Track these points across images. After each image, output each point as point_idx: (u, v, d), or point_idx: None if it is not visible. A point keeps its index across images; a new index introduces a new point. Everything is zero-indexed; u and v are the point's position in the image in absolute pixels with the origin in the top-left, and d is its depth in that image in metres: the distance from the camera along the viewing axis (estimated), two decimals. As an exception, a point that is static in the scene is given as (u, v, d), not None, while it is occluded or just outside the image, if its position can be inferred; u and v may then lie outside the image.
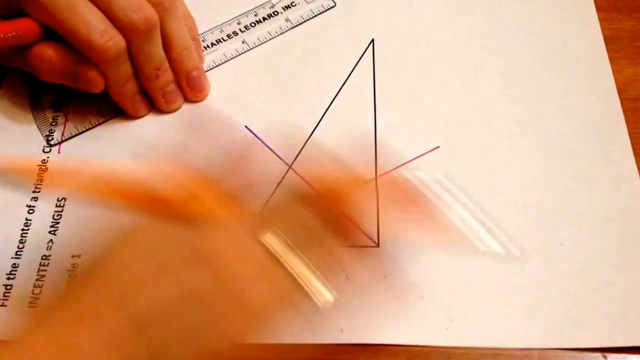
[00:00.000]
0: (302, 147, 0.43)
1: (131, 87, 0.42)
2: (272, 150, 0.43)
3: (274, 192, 0.41)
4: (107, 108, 0.44)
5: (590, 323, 0.36)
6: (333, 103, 0.44)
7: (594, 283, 0.38)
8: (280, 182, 0.41)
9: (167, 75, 0.43)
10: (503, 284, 0.38)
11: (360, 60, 0.46)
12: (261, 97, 0.45)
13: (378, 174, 0.41)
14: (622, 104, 0.44)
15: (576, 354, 0.36)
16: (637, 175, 0.41)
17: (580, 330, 0.36)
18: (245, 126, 0.44)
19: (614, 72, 0.45)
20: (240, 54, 0.47)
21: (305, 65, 0.46)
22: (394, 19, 0.48)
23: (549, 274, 0.38)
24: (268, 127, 0.43)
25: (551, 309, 0.37)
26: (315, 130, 0.43)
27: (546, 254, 0.39)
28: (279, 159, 0.42)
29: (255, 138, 0.43)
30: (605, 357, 0.36)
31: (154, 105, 0.44)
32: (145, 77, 0.42)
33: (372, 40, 0.47)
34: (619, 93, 0.44)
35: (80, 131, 0.44)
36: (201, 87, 0.44)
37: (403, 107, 0.44)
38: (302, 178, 0.41)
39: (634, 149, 0.42)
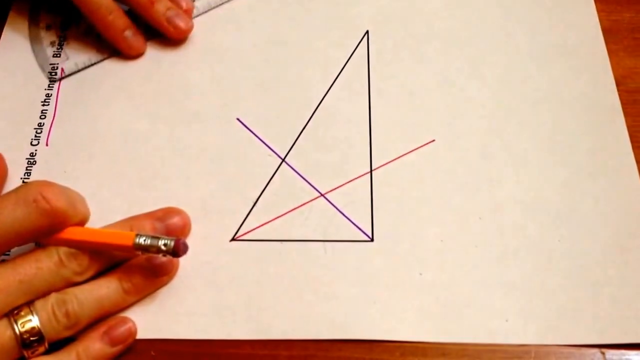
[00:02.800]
0: (296, 140, 0.42)
1: (116, 20, 0.43)
2: (264, 143, 0.42)
3: (267, 186, 0.40)
4: (107, 45, 0.45)
5: (588, 319, 0.36)
6: (327, 95, 0.43)
7: (592, 278, 0.37)
8: (274, 175, 0.41)
9: (164, 1, 0.44)
10: (500, 279, 0.37)
11: (355, 52, 0.45)
12: (254, 89, 0.44)
13: (373, 168, 0.41)
14: (620, 96, 0.43)
15: (574, 350, 0.35)
16: (636, 168, 0.41)
17: (578, 327, 0.36)
18: (237, 119, 0.43)
19: (612, 64, 0.45)
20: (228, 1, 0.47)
21: (298, 57, 0.45)
22: (389, 11, 0.47)
23: (546, 270, 0.37)
24: (260, 119, 0.43)
25: (549, 305, 0.36)
26: (309, 123, 0.42)
27: (544, 250, 0.38)
28: (272, 152, 0.41)
29: (248, 131, 0.42)
30: (603, 353, 0.35)
31: (165, 34, 0.45)
32: (141, 7, 0.43)
33: (367, 32, 0.46)
34: (618, 85, 0.44)
35: (81, 68, 0.44)
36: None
37: (398, 100, 0.43)
38: (296, 171, 0.41)
39: (632, 142, 0.42)
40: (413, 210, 0.39)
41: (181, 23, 0.44)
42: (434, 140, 0.42)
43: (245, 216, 0.39)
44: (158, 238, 0.35)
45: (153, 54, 0.45)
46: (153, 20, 0.44)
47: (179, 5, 0.45)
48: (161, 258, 0.36)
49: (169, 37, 0.45)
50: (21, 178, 0.41)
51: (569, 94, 0.44)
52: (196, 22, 0.46)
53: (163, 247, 0.34)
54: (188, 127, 0.42)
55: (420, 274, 0.37)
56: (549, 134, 0.42)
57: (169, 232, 0.37)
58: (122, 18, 0.43)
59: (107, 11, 0.42)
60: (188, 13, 0.45)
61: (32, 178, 0.41)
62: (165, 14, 0.44)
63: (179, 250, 0.35)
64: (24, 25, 0.46)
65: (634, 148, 0.41)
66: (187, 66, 0.45)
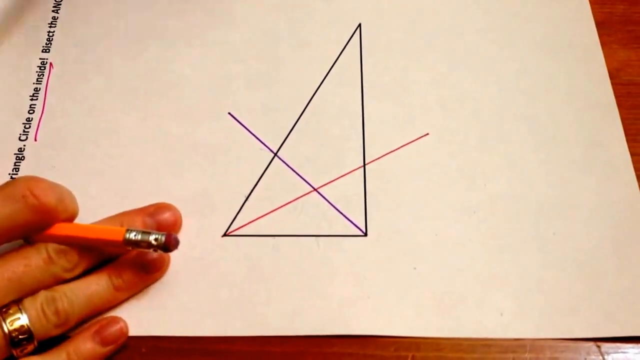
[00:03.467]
0: (288, 135, 0.41)
1: None
2: (257, 137, 0.41)
3: (259, 180, 0.40)
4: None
5: (584, 313, 0.36)
6: (319, 89, 0.43)
7: (587, 272, 0.37)
8: (266, 169, 0.40)
9: None
10: (495, 273, 0.37)
11: (347, 46, 0.45)
12: (245, 83, 0.43)
13: (366, 162, 0.40)
14: (614, 89, 0.43)
15: (569, 343, 0.35)
16: (630, 161, 0.40)
17: (573, 320, 0.35)
18: (229, 113, 0.42)
19: (606, 57, 0.44)
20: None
21: (290, 51, 0.45)
22: (382, 4, 0.47)
23: (541, 264, 0.37)
24: (252, 114, 0.42)
25: (544, 299, 0.36)
26: (302, 117, 0.42)
27: (538, 244, 0.38)
28: (264, 147, 0.41)
29: (240, 125, 0.42)
30: (598, 346, 0.35)
31: None
32: None
33: (359, 25, 0.46)
34: (611, 78, 0.44)
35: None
36: None
37: (391, 94, 0.43)
38: (288, 165, 0.40)
39: (626, 135, 0.41)
40: (407, 205, 0.39)
41: None
42: (427, 134, 0.41)
43: (237, 211, 0.39)
44: (149, 233, 0.34)
45: (143, 48, 0.45)
46: None
47: None
48: (152, 254, 0.36)
49: None
50: (9, 174, 0.40)
51: (562, 87, 0.43)
52: (187, 15, 0.46)
53: (154, 242, 0.34)
54: (179, 122, 0.42)
55: (415, 269, 0.37)
56: (543, 127, 0.42)
57: (159, 228, 0.37)
58: None
59: None
60: None
61: (21, 174, 0.40)
62: None
63: (170, 245, 0.34)
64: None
65: (628, 141, 0.41)
66: (178, 60, 0.44)
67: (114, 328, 0.35)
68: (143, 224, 0.36)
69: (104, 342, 0.34)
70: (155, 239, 0.34)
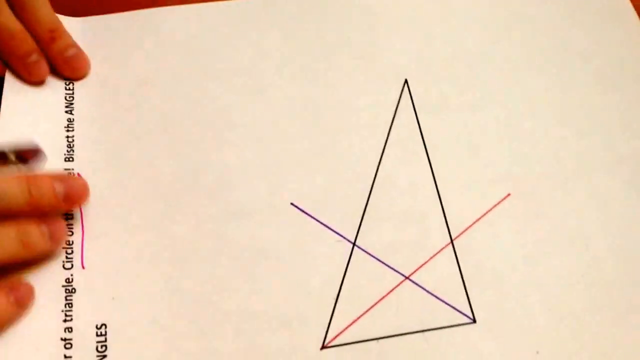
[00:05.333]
0: (362, 219, 0.38)
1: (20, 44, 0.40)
2: (329, 227, 0.38)
3: (344, 277, 0.36)
4: None
5: None
6: (382, 160, 0.39)
7: None
8: (348, 263, 0.37)
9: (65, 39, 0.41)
10: (630, 344, 0.34)
11: (399, 106, 0.41)
12: (301, 166, 0.39)
13: (452, 237, 0.37)
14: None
15: None
16: None
17: None
18: (292, 203, 0.38)
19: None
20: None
21: (340, 122, 0.40)
22: (426, 52, 0.43)
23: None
24: (318, 200, 0.38)
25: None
26: (371, 197, 0.38)
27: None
28: (340, 237, 0.37)
29: (307, 215, 0.38)
30: None
31: (62, 73, 0.41)
32: (40, 43, 0.40)
33: (406, 81, 0.42)
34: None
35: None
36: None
37: (459, 154, 0.40)
38: (371, 255, 0.37)
39: None
40: (509, 277, 0.36)
41: (79, 63, 0.42)
42: (509, 195, 0.39)
43: (329, 318, 0.35)
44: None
45: (181, 146, 0.40)
46: (51, 59, 0.41)
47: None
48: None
49: (66, 77, 0.41)
50: (62, 311, 0.35)
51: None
52: (225, 94, 0.41)
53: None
54: (237, 224, 0.37)
55: (537, 353, 0.34)
56: (634, 171, 0.39)
57: (68, 195, 0.36)
58: (26, 42, 0.40)
59: (9, 35, 0.39)
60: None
61: (75, 310, 0.35)
62: (63, 53, 0.41)
63: (26, 155, 0.35)
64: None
65: None
66: (222, 149, 0.39)
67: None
68: (51, 189, 0.35)
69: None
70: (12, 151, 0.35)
